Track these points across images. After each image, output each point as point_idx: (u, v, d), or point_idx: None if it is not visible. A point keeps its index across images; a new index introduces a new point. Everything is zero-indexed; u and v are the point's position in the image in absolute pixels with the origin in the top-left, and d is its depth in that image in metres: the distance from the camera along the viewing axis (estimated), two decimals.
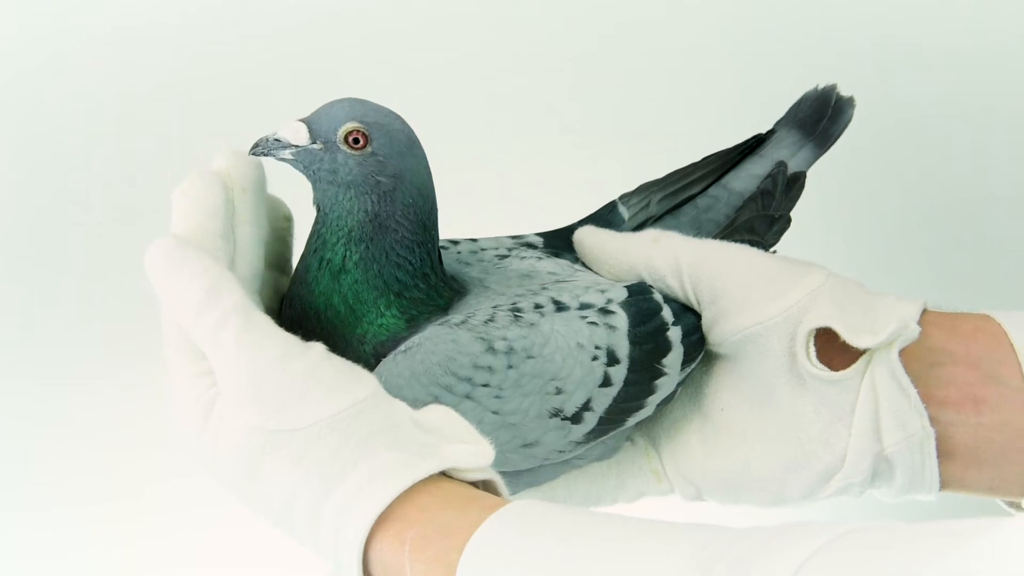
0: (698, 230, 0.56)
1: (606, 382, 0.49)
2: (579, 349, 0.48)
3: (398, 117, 0.49)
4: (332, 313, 0.48)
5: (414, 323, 0.48)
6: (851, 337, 0.46)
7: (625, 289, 0.52)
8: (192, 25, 0.80)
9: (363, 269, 0.48)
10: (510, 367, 0.47)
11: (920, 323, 0.47)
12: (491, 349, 0.47)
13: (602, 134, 0.81)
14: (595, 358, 0.49)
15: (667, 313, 0.51)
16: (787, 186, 0.57)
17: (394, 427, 0.41)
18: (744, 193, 0.57)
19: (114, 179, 0.80)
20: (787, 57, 0.78)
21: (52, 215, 0.80)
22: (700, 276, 0.50)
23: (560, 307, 0.49)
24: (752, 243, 0.55)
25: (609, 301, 0.50)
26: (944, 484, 0.48)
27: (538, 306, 0.49)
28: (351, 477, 0.40)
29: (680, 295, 0.51)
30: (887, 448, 0.47)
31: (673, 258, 0.51)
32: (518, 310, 0.48)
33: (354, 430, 0.41)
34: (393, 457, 0.40)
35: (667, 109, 0.81)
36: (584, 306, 0.50)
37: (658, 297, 0.52)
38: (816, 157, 0.59)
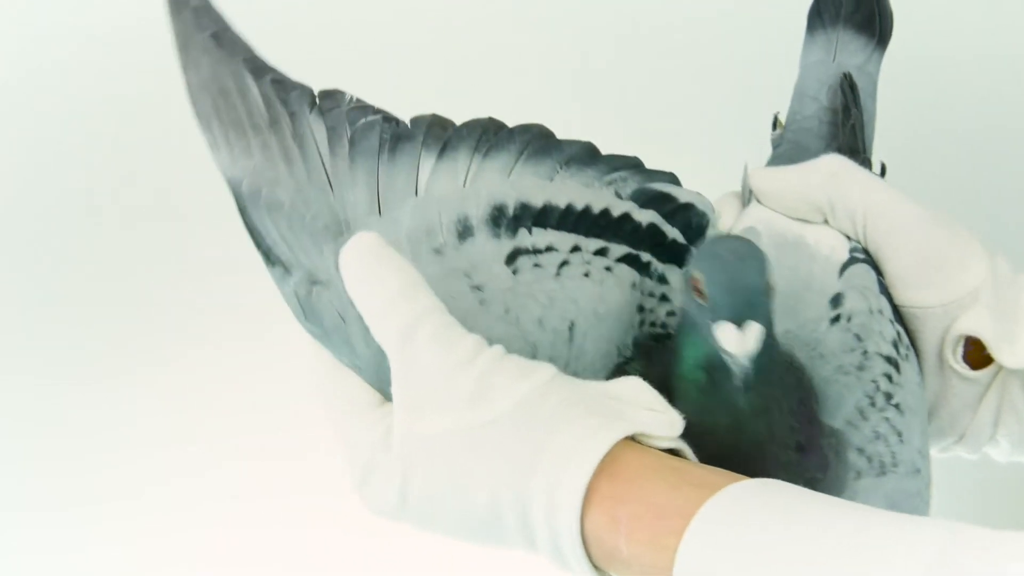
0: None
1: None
2: None
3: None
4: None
5: None
6: (997, 353, 0.48)
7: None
8: None
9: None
10: None
11: None
12: None
13: (602, 134, 0.81)
14: None
15: None
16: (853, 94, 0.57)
17: (582, 399, 0.41)
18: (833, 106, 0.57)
19: (115, 179, 0.80)
20: (787, 57, 0.79)
21: (53, 215, 0.80)
22: (871, 229, 0.50)
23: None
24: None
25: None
26: None
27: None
28: (548, 452, 0.39)
29: (852, 235, 0.51)
30: (999, 434, 0.50)
31: (849, 200, 0.51)
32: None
33: (544, 409, 0.41)
34: (587, 422, 0.40)
35: (667, 110, 0.81)
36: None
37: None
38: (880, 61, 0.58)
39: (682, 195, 0.52)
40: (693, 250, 0.51)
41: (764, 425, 0.44)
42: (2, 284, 0.79)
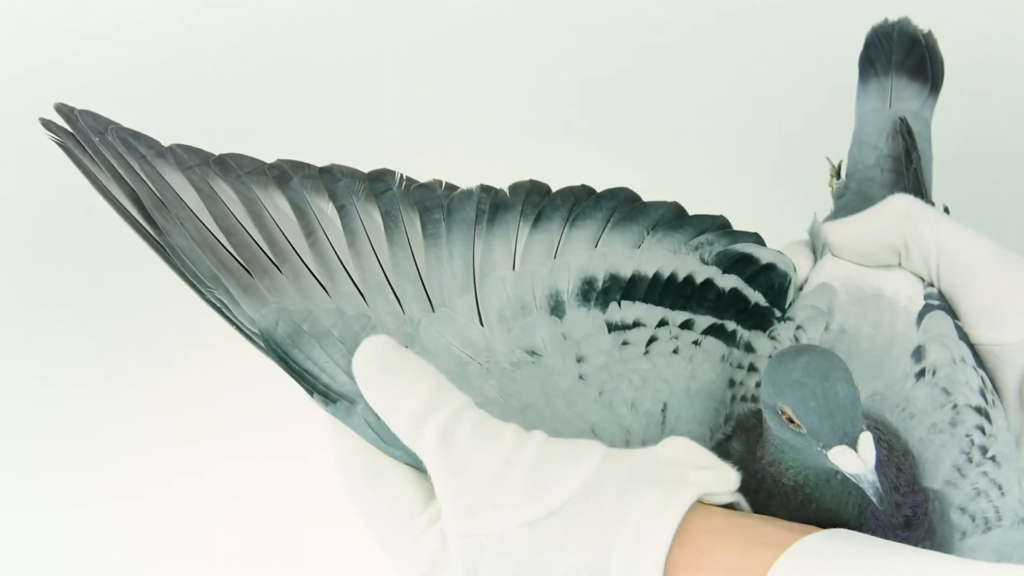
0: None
1: None
2: None
3: None
4: None
5: None
6: None
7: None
8: (195, 27, 0.80)
9: None
10: None
11: None
12: None
13: (603, 134, 0.81)
14: None
15: None
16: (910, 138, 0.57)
17: (639, 471, 0.41)
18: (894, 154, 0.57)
19: None
20: (788, 58, 0.79)
21: (53, 215, 0.80)
22: (945, 267, 0.50)
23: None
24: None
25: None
26: None
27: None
28: (620, 533, 0.39)
29: (925, 275, 0.51)
30: None
31: (921, 239, 0.50)
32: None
33: (605, 490, 0.40)
34: (652, 495, 0.40)
35: (674, 111, 0.81)
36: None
37: None
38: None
39: (764, 255, 0.52)
40: (776, 312, 0.51)
41: (871, 513, 0.44)
42: (2, 284, 0.79)
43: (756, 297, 0.50)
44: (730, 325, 0.49)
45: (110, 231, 0.81)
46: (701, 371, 0.47)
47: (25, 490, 0.78)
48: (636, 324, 0.48)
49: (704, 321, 0.49)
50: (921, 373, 0.48)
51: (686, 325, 0.48)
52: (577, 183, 0.51)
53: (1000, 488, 0.47)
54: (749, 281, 0.51)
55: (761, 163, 0.81)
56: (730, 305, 0.50)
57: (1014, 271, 0.50)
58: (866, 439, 0.40)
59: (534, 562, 0.40)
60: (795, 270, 0.52)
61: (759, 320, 0.50)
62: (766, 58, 0.80)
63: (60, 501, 0.77)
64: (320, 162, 0.51)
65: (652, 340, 0.47)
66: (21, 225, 0.79)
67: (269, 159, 0.52)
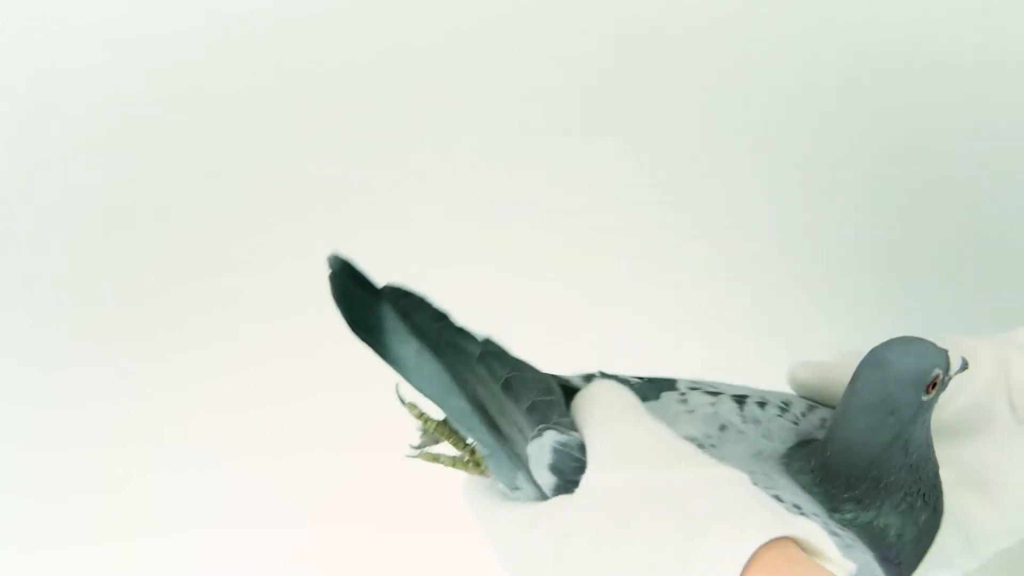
0: None
1: None
2: None
3: None
4: None
5: None
6: None
7: None
8: (197, 29, 0.81)
9: None
10: None
11: None
12: None
13: (603, 134, 0.81)
14: None
15: None
16: None
17: (768, 500, 0.43)
18: None
19: (114, 178, 0.80)
20: (788, 58, 0.79)
21: (53, 215, 0.80)
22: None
23: None
24: None
25: None
26: None
27: None
28: (720, 521, 0.41)
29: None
30: None
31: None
32: None
33: (726, 488, 0.42)
34: (765, 511, 0.41)
35: (668, 111, 0.81)
36: None
37: None
38: None
39: None
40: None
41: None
42: (2, 283, 0.79)
43: None
44: None
45: (110, 231, 0.81)
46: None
47: (20, 485, 0.78)
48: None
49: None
50: None
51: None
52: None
53: None
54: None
55: (761, 163, 0.81)
56: None
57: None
58: None
59: (633, 515, 0.42)
60: None
61: None
62: (766, 58, 0.80)
63: (55, 496, 0.77)
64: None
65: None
66: (21, 225, 0.79)
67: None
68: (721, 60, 0.81)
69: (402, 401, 0.49)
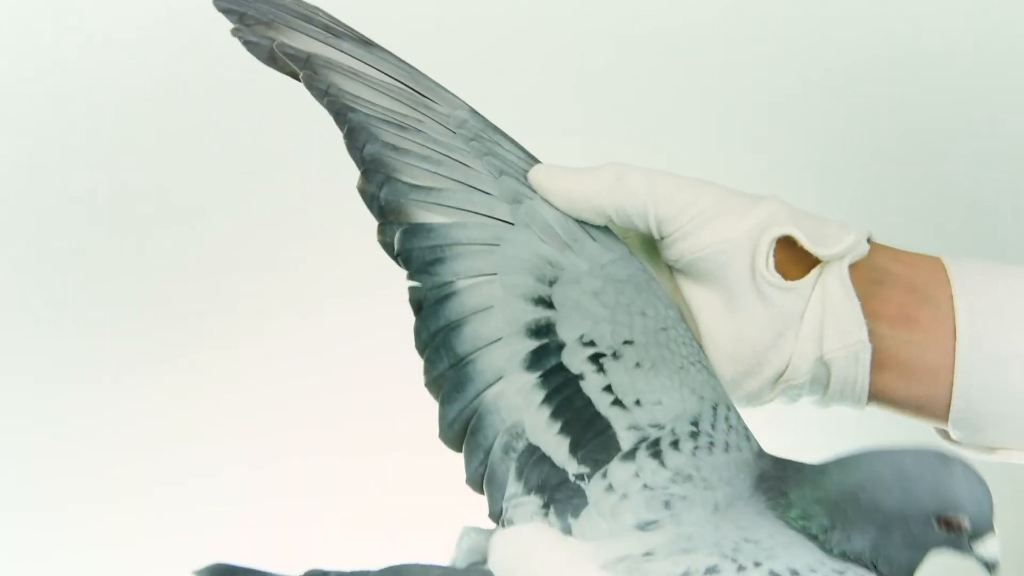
0: None
1: None
2: None
3: None
4: None
5: None
6: (810, 246, 0.49)
7: None
8: (200, 29, 0.81)
9: None
10: None
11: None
12: None
13: (603, 135, 0.81)
14: None
15: None
16: None
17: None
18: None
19: (117, 180, 0.80)
20: (788, 58, 0.79)
21: (54, 215, 0.80)
22: (671, 205, 0.51)
23: None
24: None
25: None
26: (874, 395, 0.50)
27: None
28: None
29: (642, 228, 0.51)
30: (826, 354, 0.49)
31: (641, 196, 0.51)
32: None
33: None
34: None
35: (666, 109, 0.81)
36: None
37: None
38: None
39: None
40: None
41: None
42: (5, 284, 0.79)
43: None
44: None
45: (112, 232, 0.81)
46: None
47: (30, 490, 0.78)
48: None
49: None
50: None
51: None
52: None
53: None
54: None
55: (761, 163, 0.81)
56: None
57: (727, 191, 0.52)
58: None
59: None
60: None
61: None
62: (766, 58, 0.80)
63: (65, 501, 0.77)
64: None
65: None
66: (23, 225, 0.79)
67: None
68: (721, 60, 0.81)
69: None
